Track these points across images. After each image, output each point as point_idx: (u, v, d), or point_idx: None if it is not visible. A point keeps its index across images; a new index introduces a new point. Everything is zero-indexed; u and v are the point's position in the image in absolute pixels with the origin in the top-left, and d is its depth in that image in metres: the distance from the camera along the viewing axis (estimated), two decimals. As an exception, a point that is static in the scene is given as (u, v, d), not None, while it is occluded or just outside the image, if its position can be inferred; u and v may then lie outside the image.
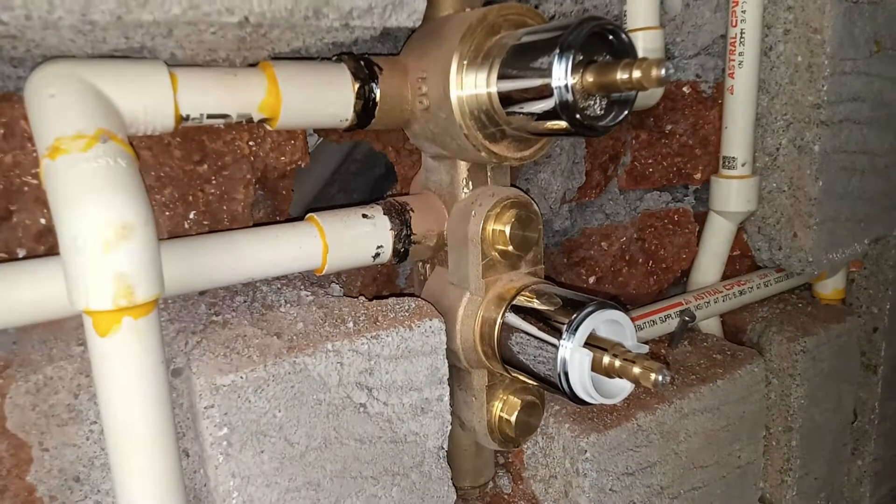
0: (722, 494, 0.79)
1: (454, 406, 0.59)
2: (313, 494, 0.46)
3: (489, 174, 0.56)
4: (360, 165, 0.71)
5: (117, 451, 0.37)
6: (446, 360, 0.52)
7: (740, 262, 0.94)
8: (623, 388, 0.49)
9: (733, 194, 0.83)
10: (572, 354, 0.46)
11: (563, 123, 0.45)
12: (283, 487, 0.44)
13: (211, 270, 0.45)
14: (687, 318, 0.77)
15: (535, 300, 0.51)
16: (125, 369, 0.37)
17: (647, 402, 0.70)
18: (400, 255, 0.54)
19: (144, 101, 0.41)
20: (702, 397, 0.73)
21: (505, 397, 0.57)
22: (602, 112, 0.46)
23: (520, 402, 0.56)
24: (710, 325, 0.88)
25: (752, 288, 0.87)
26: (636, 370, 0.45)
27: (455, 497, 0.54)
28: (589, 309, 0.47)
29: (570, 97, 0.42)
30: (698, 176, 0.85)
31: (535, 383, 0.52)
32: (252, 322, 0.47)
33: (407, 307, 0.51)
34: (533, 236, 0.54)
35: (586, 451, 0.64)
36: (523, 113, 0.47)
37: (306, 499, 0.46)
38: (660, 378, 0.44)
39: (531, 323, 0.50)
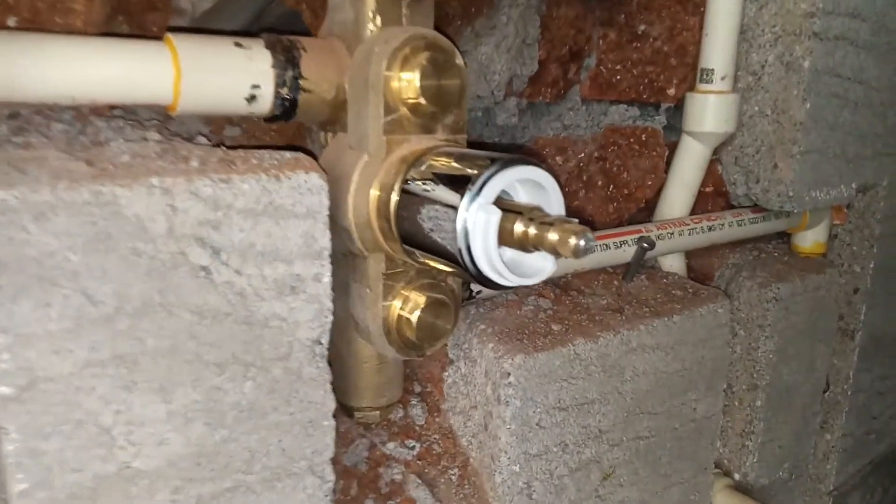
0: (672, 449, 0.70)
1: (349, 304, 0.49)
2: (125, 373, 0.35)
3: (405, 12, 0.45)
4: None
5: None
6: (328, 231, 0.41)
7: (713, 202, 0.84)
8: (542, 266, 0.39)
9: (709, 112, 0.72)
10: (475, 217, 0.36)
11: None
12: (82, 359, 0.34)
13: (8, 76, 0.34)
14: (645, 245, 0.67)
15: (443, 161, 0.41)
16: None
17: (589, 328, 0.60)
18: (285, 104, 0.43)
19: None
20: (654, 332, 0.63)
21: (407, 293, 0.46)
22: None
23: (424, 298, 0.46)
24: (674, 265, 0.78)
25: (722, 225, 0.77)
26: (552, 235, 0.35)
27: (334, 405, 0.44)
28: (500, 164, 0.37)
29: None
30: (672, 91, 0.75)
31: (438, 265, 0.42)
32: (63, 149, 0.36)
33: (280, 157, 0.40)
34: (452, 87, 0.44)
35: (510, 374, 0.54)
36: None
37: (115, 378, 0.35)
38: (581, 243, 0.34)
39: (434, 186, 0.40)
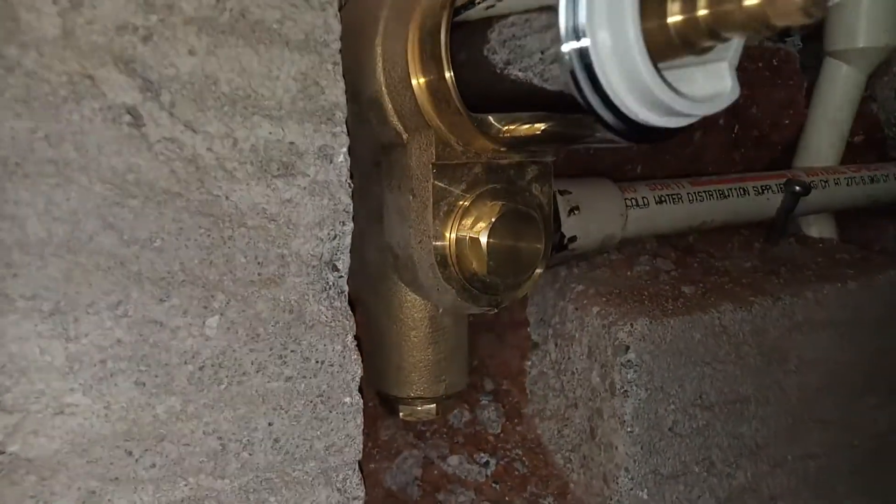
0: (850, 476, 0.49)
1: (385, 232, 0.33)
2: (-21, 276, 0.20)
3: None
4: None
5: None
6: (341, 77, 0.26)
7: (863, 155, 0.65)
8: (716, 89, 0.22)
9: (863, 20, 0.55)
10: (590, 4, 0.20)
11: None
12: None
13: None
14: (798, 190, 0.49)
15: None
16: None
17: (737, 292, 0.42)
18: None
19: None
20: (825, 302, 0.45)
21: (468, 202, 0.30)
22: None
23: (498, 208, 0.29)
24: (823, 229, 0.59)
25: (886, 177, 0.58)
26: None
27: (360, 371, 0.28)
28: None
29: None
30: (808, 3, 0.58)
31: (529, 128, 0.26)
32: None
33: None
34: None
35: (628, 347, 0.36)
36: None
37: (-39, 284, 0.20)
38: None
39: (509, -10, 0.24)
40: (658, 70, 0.20)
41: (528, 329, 0.44)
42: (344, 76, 0.27)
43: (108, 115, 0.22)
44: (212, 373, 0.24)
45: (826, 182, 0.54)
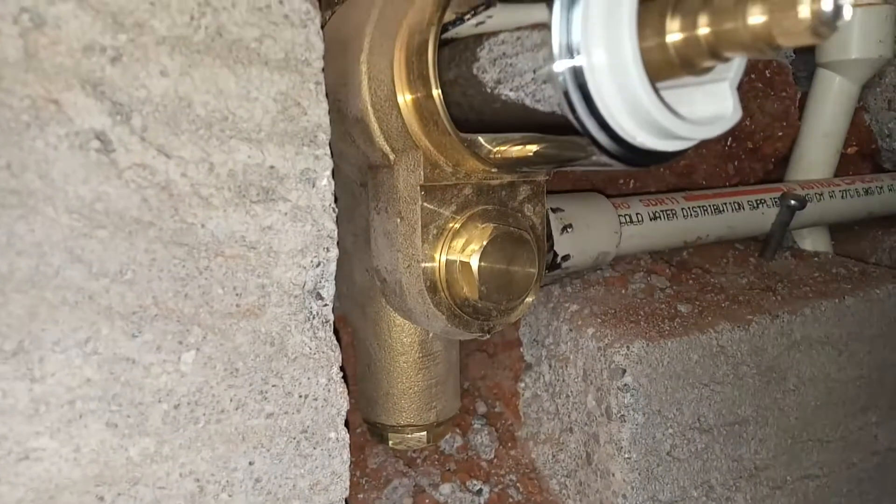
0: (850, 496, 0.48)
1: (372, 256, 0.32)
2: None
3: None
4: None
5: None
6: (324, 97, 0.25)
7: (857, 167, 0.64)
8: (717, 112, 0.21)
9: (856, 31, 0.54)
10: (585, 22, 0.19)
11: None
12: None
13: None
14: (793, 204, 0.48)
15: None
16: None
17: (733, 311, 0.41)
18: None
19: None
20: (822, 318, 0.44)
21: (458, 225, 0.29)
22: None
23: (490, 231, 0.28)
24: (817, 242, 0.59)
25: (881, 189, 0.58)
26: (756, 14, 0.17)
27: (346, 404, 0.26)
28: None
29: None
30: (800, 14, 0.57)
31: (521, 151, 0.25)
32: None
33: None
34: None
35: (625, 371, 0.35)
36: None
37: (-86, 325, 0.19)
38: (826, 2, 0.16)
39: (493, 12, 0.23)
40: (657, 91, 0.19)
41: (521, 349, 0.43)
42: (328, 95, 0.26)
43: (75, 141, 0.20)
44: (188, 411, 0.23)
45: (821, 195, 0.53)
